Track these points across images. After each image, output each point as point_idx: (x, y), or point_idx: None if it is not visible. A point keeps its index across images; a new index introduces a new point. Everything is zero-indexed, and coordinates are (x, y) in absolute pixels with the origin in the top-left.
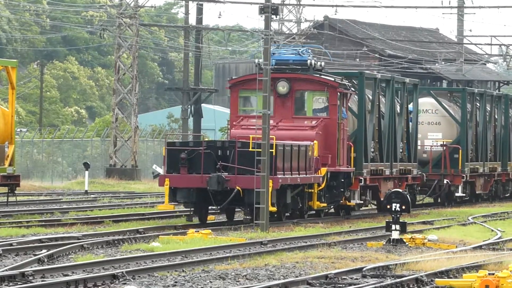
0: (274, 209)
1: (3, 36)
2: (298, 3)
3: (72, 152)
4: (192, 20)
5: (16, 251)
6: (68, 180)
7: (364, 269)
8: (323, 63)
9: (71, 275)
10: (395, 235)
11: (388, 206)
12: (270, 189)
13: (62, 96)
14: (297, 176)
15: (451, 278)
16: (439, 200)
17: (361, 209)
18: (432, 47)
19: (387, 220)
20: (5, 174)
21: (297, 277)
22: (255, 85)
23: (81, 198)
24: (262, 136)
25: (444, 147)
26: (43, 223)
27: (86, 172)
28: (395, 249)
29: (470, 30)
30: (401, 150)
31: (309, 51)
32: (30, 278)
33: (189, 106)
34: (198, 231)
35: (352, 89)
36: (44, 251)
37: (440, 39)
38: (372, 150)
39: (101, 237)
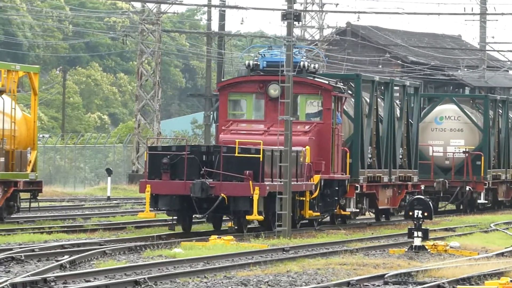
0: (260, 217)
1: (26, 42)
2: (321, 9)
3: (94, 158)
4: (215, 27)
5: (38, 257)
6: (90, 186)
7: (386, 276)
8: (317, 65)
9: (93, 281)
10: (417, 242)
11: (411, 213)
12: (257, 196)
13: (84, 102)
14: None
15: (472, 285)
16: (461, 207)
17: (357, 218)
18: (455, 54)
19: (409, 227)
20: (28, 180)
21: (319, 283)
22: (245, 88)
23: (103, 204)
24: (284, 142)
25: (467, 154)
26: (65, 229)
27: (109, 178)
28: (417, 256)
29: (493, 37)
30: (400, 156)
31: (303, 52)
32: (52, 284)
33: (211, 112)
34: (220, 237)
35: (350, 92)
36: (66, 257)
37: (462, 46)
38: (370, 156)
39: (123, 243)
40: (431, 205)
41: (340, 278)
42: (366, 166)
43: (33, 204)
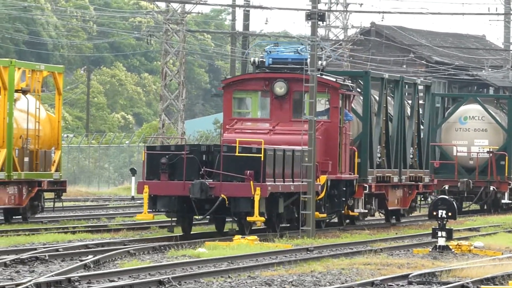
0: (261, 219)
1: (50, 42)
2: (345, 9)
3: (118, 158)
4: (239, 27)
5: (62, 256)
6: (114, 186)
7: (410, 275)
8: (324, 62)
9: (117, 281)
10: (441, 241)
11: (435, 213)
12: (258, 197)
13: (109, 102)
14: (291, 183)
15: (496, 285)
16: (485, 207)
17: (366, 219)
18: (479, 54)
19: (433, 227)
20: (52, 179)
21: (343, 283)
22: (251, 85)
23: (127, 203)
24: (308, 142)
25: (491, 154)
26: (89, 228)
27: (133, 178)
28: (441, 255)
29: None
30: (411, 156)
31: (309, 49)
32: (76, 284)
33: None
34: (244, 237)
35: (358, 90)
36: (90, 256)
37: (486, 46)
38: (379, 155)
39: (147, 243)
40: (455, 205)
41: (364, 278)
42: (375, 166)
43: (57, 204)
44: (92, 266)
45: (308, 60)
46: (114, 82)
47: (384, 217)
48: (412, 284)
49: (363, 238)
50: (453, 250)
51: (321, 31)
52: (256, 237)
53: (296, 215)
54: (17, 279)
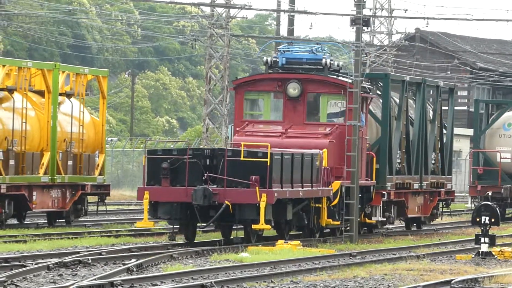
0: (267, 227)
1: (95, 45)
2: (390, 15)
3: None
4: (284, 31)
5: (105, 260)
6: None
7: (453, 281)
8: (340, 63)
9: (159, 285)
10: (484, 248)
11: (478, 219)
12: (264, 204)
13: (153, 106)
14: (300, 189)
15: None
16: None
17: (384, 226)
18: None
19: (476, 233)
20: (95, 183)
21: None
22: (263, 86)
23: None
24: (352, 147)
25: None
26: (133, 232)
27: None
28: (484, 261)
29: None
30: (433, 161)
31: (325, 49)
32: (119, 287)
33: None
34: (287, 242)
35: (378, 92)
36: (133, 260)
37: None
38: (399, 161)
39: (190, 247)
40: (498, 211)
41: (406, 283)
42: (394, 172)
43: (101, 208)
44: (135, 270)
45: (323, 61)
46: (159, 86)
47: (404, 225)
48: None
49: (406, 244)
50: (496, 256)
51: (365, 37)
52: (299, 242)
53: (307, 222)
54: (60, 282)
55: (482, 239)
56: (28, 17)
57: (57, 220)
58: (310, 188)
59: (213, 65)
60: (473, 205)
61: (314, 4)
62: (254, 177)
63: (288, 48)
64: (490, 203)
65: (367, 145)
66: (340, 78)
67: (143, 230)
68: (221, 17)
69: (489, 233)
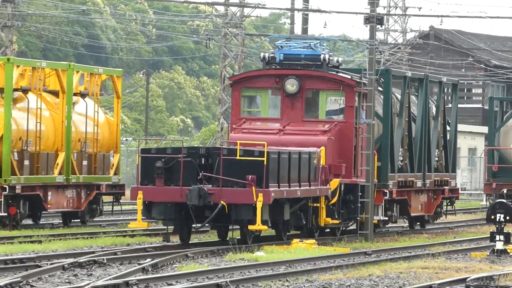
0: (264, 227)
1: (109, 45)
2: (404, 13)
3: None
4: (298, 30)
5: (120, 260)
6: None
7: (468, 279)
8: (340, 59)
9: (175, 285)
10: (499, 245)
11: (493, 217)
12: (261, 204)
13: (168, 105)
14: (297, 188)
15: None
16: None
17: (387, 226)
18: None
19: (491, 231)
20: (110, 183)
21: (400, 287)
22: (260, 83)
23: None
24: (367, 145)
25: None
26: (148, 232)
27: None
28: (499, 259)
29: None
30: (436, 159)
31: (324, 44)
32: (134, 287)
33: None
34: (302, 241)
35: (379, 88)
36: (148, 260)
37: None
38: (401, 158)
39: (205, 247)
40: None
41: (421, 282)
42: (396, 169)
43: (116, 207)
44: (150, 269)
45: (322, 57)
46: (173, 86)
47: (407, 224)
48: None
49: (421, 242)
50: (511, 254)
51: (379, 35)
52: (314, 240)
53: (305, 222)
54: (75, 282)
55: (497, 237)
56: (42, 17)
57: (72, 220)
58: (307, 187)
59: (228, 64)
60: (488, 203)
61: (328, 3)
62: (250, 176)
63: (286, 43)
64: (505, 200)
65: None
66: (340, 74)
67: (158, 229)
68: (235, 16)
69: (504, 231)
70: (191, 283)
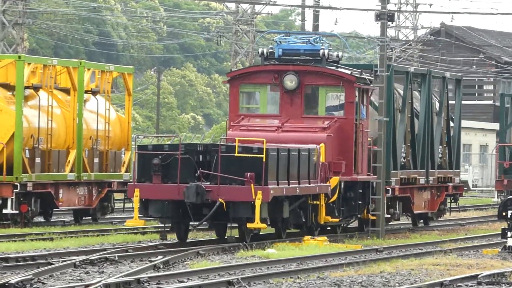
0: (263, 226)
1: (120, 42)
2: (415, 10)
3: None
4: (309, 27)
5: (131, 257)
6: None
7: (479, 276)
8: (340, 54)
9: (186, 282)
10: (510, 242)
11: (504, 213)
12: (259, 201)
13: (179, 102)
14: (296, 186)
15: None
16: None
17: (389, 223)
18: None
19: (502, 227)
20: (122, 180)
21: (412, 284)
22: (259, 79)
23: None
24: (378, 142)
25: None
26: (159, 229)
27: None
28: (511, 256)
29: None
30: (440, 155)
31: (324, 39)
32: (145, 284)
33: None
34: (313, 238)
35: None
36: (159, 257)
37: None
38: (403, 155)
39: (217, 244)
40: None
41: (433, 278)
42: (399, 166)
43: (127, 205)
44: (161, 266)
45: (322, 52)
46: (184, 83)
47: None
48: (481, 285)
49: (433, 239)
50: None
51: (390, 32)
52: (325, 237)
53: (304, 220)
54: (86, 279)
55: (509, 233)
56: (53, 15)
57: (84, 218)
58: (307, 185)
59: (239, 61)
60: (499, 200)
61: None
62: (249, 173)
63: (285, 38)
64: None
65: (369, 139)
66: (340, 69)
67: (169, 227)
68: (246, 13)
69: None
70: (203, 280)
